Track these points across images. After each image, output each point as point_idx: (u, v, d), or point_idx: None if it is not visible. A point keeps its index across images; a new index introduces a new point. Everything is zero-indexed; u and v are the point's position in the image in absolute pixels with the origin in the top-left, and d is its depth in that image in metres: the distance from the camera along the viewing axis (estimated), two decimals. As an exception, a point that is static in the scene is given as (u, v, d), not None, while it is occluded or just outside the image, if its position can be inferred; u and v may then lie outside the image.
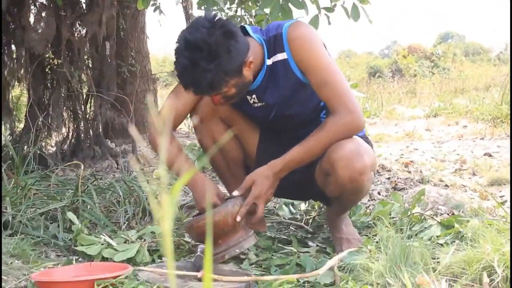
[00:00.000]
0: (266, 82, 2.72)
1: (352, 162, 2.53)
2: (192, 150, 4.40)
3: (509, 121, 8.70)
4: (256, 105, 2.80)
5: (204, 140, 2.97)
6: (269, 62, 2.69)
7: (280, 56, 2.68)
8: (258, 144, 2.98)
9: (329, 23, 4.31)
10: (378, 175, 4.76)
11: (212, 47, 2.41)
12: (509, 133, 7.80)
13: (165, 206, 0.59)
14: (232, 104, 2.83)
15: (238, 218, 2.59)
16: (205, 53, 2.40)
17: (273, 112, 2.80)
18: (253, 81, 2.69)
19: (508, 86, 10.53)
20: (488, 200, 3.99)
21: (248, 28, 2.69)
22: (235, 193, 2.68)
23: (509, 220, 2.66)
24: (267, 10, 4.24)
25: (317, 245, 3.01)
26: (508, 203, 3.82)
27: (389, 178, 4.64)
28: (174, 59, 2.50)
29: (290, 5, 3.96)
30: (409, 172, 5.11)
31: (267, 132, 2.98)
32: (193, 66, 2.41)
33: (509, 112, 8.92)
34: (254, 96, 2.77)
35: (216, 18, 2.47)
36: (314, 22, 4.13)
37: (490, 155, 6.14)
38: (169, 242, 0.60)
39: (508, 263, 2.16)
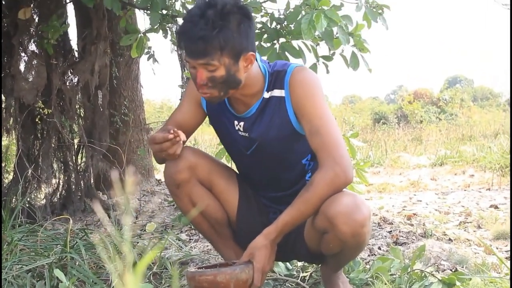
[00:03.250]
0: (259, 114, 2.78)
1: (352, 215, 2.53)
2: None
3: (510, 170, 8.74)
4: (240, 132, 2.84)
5: (183, 204, 2.95)
6: (266, 95, 2.75)
7: (278, 93, 2.74)
8: (238, 204, 2.99)
9: (328, 72, 4.35)
10: (379, 228, 4.76)
11: (226, 11, 2.50)
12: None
13: (128, 286, 0.61)
14: (219, 125, 2.92)
15: None
16: (218, 11, 2.49)
17: (254, 146, 2.83)
18: (248, 109, 2.78)
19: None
20: (494, 255, 3.99)
21: (256, 55, 2.74)
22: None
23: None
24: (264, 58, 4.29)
25: (313, 304, 3.02)
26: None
27: (391, 231, 4.64)
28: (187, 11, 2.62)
29: (287, 53, 4.02)
30: (412, 225, 5.11)
31: (247, 189, 3.01)
32: (200, 17, 2.49)
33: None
34: (241, 123, 2.82)
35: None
36: (313, 70, 4.18)
37: (496, 207, 6.14)
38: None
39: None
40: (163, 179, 6.96)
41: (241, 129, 2.83)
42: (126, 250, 0.61)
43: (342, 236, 2.57)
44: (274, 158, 2.86)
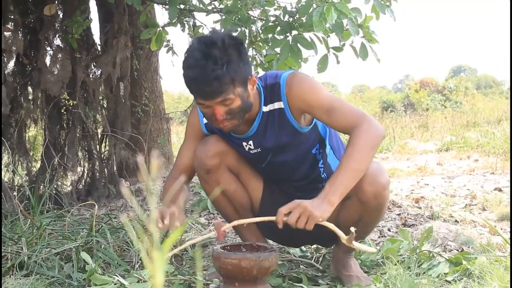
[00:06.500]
0: (264, 127, 2.77)
1: (377, 177, 2.63)
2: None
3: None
4: (251, 151, 2.85)
5: (211, 189, 2.95)
6: (265, 108, 2.75)
7: (277, 105, 2.73)
8: (262, 191, 3.02)
9: (338, 62, 4.35)
10: (389, 211, 4.76)
11: (226, 45, 2.48)
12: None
13: (156, 262, 0.61)
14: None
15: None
16: (220, 48, 2.46)
17: (268, 158, 2.85)
18: (250, 127, 2.78)
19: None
20: (498, 235, 3.98)
21: None
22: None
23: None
24: (277, 50, 4.29)
25: (327, 283, 3.02)
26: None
27: (400, 214, 4.64)
28: (185, 58, 2.54)
29: (299, 45, 4.01)
30: (420, 208, 5.11)
31: (270, 180, 3.03)
32: (205, 59, 2.44)
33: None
34: (250, 142, 2.82)
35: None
36: (323, 61, 4.17)
37: (500, 190, 6.12)
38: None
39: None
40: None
41: (252, 147, 2.83)
42: (153, 229, 0.61)
43: (365, 198, 2.63)
44: (287, 161, 2.88)
